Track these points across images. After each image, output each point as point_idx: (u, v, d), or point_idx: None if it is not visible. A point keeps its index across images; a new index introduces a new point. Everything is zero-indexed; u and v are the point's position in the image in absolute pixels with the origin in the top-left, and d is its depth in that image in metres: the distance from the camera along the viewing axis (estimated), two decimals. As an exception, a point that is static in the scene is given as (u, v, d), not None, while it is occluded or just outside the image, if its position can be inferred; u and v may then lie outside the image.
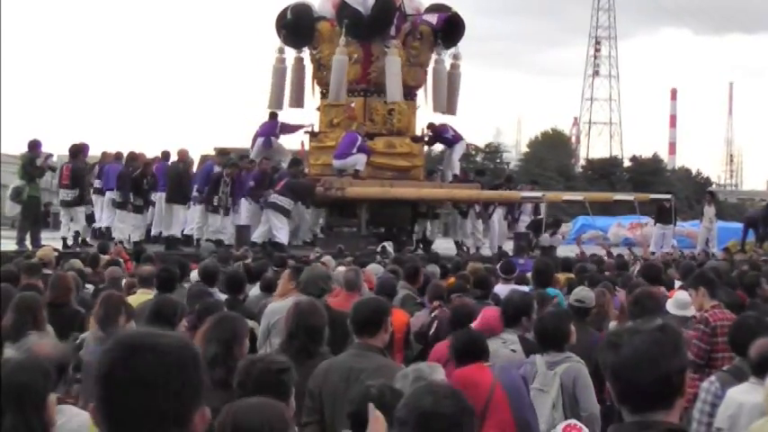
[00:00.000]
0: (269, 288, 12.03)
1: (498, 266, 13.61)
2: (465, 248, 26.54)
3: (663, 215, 29.04)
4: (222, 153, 25.48)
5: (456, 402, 3.78)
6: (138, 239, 23.32)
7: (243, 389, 5.19)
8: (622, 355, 3.48)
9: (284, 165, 25.52)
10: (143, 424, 2.68)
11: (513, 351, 8.58)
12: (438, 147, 30.02)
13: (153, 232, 24.70)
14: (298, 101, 27.36)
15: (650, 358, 3.43)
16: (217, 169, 24.21)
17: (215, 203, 23.69)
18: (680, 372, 3.48)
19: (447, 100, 27.26)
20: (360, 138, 24.73)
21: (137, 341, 2.74)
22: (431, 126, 27.44)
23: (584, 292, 10.19)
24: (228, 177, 23.97)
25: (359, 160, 24.79)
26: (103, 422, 2.72)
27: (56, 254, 16.48)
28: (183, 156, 24.68)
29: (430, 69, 27.00)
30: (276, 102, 27.11)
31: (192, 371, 2.72)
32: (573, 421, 6.85)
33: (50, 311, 9.66)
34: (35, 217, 22.66)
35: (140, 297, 10.35)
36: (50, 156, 24.10)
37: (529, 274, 13.16)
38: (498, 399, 6.86)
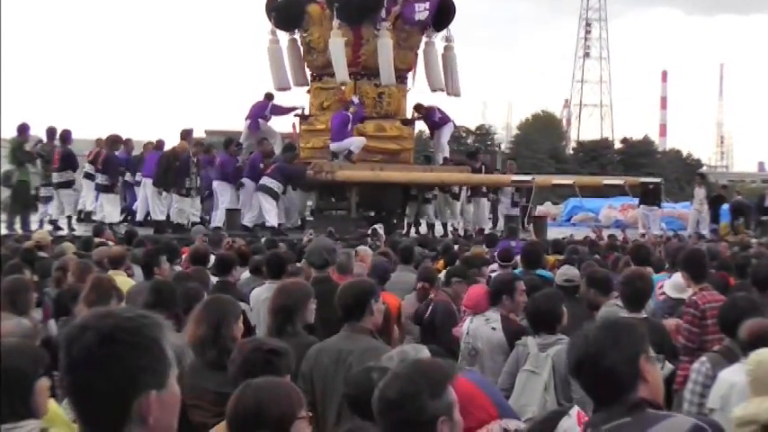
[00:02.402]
0: (258, 271, 12.03)
1: (497, 254, 13.59)
2: (453, 230, 26.57)
3: (647, 197, 29.05)
4: (186, 134, 25.37)
5: (402, 385, 3.78)
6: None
7: (234, 368, 5.19)
8: (571, 361, 3.74)
9: (274, 147, 25.54)
10: (82, 403, 2.69)
11: (494, 329, 8.63)
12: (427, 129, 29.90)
13: (138, 217, 24.71)
14: (301, 80, 27.29)
15: (589, 357, 3.64)
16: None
17: (187, 186, 23.65)
18: (628, 361, 3.62)
19: (446, 82, 27.17)
20: (350, 116, 24.68)
21: (83, 320, 2.73)
22: (419, 107, 27.42)
23: (570, 271, 10.21)
24: (195, 158, 24.02)
25: (354, 142, 24.81)
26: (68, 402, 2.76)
27: (51, 238, 16.50)
28: (183, 148, 24.46)
29: (420, 52, 26.90)
30: (280, 80, 27.02)
31: (126, 352, 2.67)
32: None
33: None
34: (25, 201, 22.64)
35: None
36: (41, 141, 24.07)
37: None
38: (468, 389, 6.92)
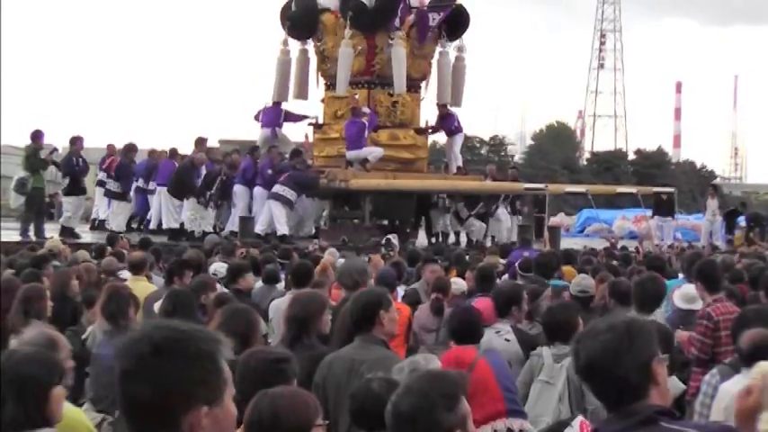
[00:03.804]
0: (272, 280, 12.06)
1: (517, 264, 13.60)
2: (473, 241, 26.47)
3: (661, 207, 29.03)
4: (200, 142, 25.38)
5: (415, 399, 3.77)
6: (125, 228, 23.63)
7: (242, 379, 5.19)
8: (581, 361, 3.61)
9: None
10: (129, 414, 2.67)
11: (507, 340, 8.63)
12: (440, 140, 29.83)
13: (152, 225, 24.77)
14: (302, 92, 27.35)
15: (603, 361, 3.52)
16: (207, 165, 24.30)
17: (206, 198, 23.69)
18: (641, 366, 3.51)
19: (451, 91, 27.24)
20: (366, 123, 24.73)
21: (140, 332, 2.70)
22: (445, 106, 27.25)
23: (585, 281, 10.20)
24: (225, 176, 24.08)
25: (373, 152, 24.85)
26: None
27: (63, 245, 16.52)
28: (200, 160, 24.45)
29: (434, 62, 26.99)
30: (281, 93, 27.08)
31: (173, 364, 2.63)
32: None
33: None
34: (39, 208, 22.67)
35: (134, 284, 10.34)
36: (56, 150, 24.11)
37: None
38: (485, 376, 6.98)
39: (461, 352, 7.59)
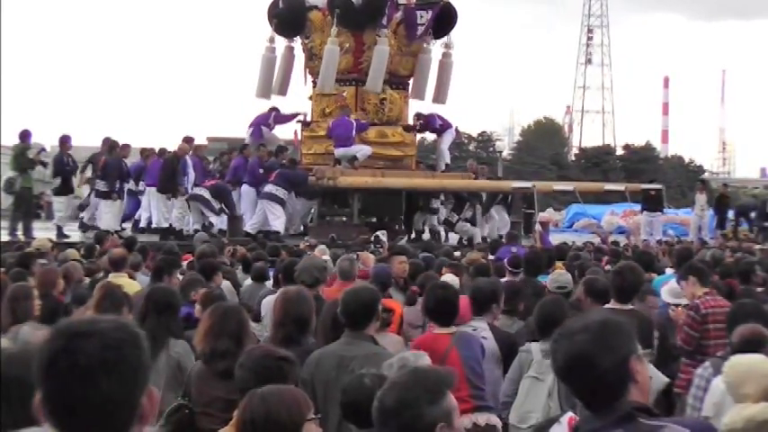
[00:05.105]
0: (261, 278, 12.04)
1: (506, 260, 13.60)
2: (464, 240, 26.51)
3: (650, 203, 29.09)
4: (188, 140, 25.39)
5: (398, 393, 3.79)
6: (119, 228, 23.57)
7: (244, 373, 5.16)
8: (558, 362, 3.60)
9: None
10: (89, 411, 2.64)
11: (485, 338, 8.60)
12: (430, 136, 29.84)
13: (142, 223, 24.73)
14: (282, 89, 27.36)
15: (580, 362, 3.51)
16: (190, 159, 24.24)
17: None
18: (619, 365, 3.50)
19: (436, 89, 27.26)
20: (354, 122, 24.73)
21: (75, 328, 2.70)
22: (419, 116, 27.37)
23: (562, 278, 10.22)
24: (220, 175, 24.07)
25: (361, 149, 24.87)
26: (50, 416, 2.67)
27: (51, 244, 16.49)
28: (183, 150, 24.39)
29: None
30: (263, 90, 27.17)
31: (132, 352, 2.68)
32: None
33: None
34: (27, 208, 22.62)
35: (115, 281, 10.29)
36: (43, 149, 24.02)
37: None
38: (452, 363, 7.01)
39: (435, 341, 7.55)
